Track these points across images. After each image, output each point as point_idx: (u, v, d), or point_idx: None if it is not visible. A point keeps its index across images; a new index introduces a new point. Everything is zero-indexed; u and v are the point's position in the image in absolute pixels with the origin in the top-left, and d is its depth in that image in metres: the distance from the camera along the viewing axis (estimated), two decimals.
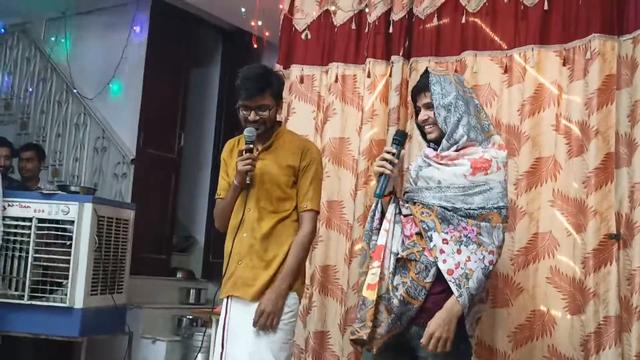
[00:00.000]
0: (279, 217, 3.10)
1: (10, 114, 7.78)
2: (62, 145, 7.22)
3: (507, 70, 3.66)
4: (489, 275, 2.61)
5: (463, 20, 3.81)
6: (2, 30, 7.90)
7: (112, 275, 4.62)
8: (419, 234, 2.67)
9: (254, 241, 3.07)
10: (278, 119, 3.27)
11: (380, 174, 2.72)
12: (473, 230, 2.59)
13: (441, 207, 2.63)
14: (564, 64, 3.52)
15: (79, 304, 4.28)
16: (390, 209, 2.78)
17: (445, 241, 2.60)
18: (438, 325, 2.54)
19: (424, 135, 2.88)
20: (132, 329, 4.91)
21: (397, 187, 2.87)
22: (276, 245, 3.07)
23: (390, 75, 3.99)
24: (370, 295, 2.66)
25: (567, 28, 3.54)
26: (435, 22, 3.91)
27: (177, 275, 6.71)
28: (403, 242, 2.72)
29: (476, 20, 3.79)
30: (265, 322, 2.95)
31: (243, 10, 4.59)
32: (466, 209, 2.62)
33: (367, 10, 4.13)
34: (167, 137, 6.83)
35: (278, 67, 4.42)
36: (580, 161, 3.36)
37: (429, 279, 2.59)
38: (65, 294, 4.25)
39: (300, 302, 3.15)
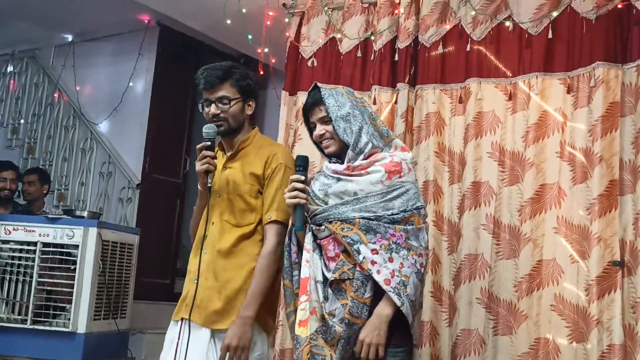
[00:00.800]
0: (242, 232, 2.78)
1: (17, 139, 7.83)
2: (68, 169, 7.26)
3: (511, 97, 3.67)
4: (422, 278, 2.57)
5: (468, 48, 3.83)
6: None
7: (115, 300, 4.60)
8: (345, 251, 2.57)
9: (212, 258, 2.76)
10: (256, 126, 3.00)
11: (296, 205, 2.61)
12: (402, 236, 2.53)
13: (363, 218, 2.55)
14: (568, 92, 3.54)
15: (82, 328, 4.26)
16: (307, 238, 2.66)
17: (374, 251, 2.51)
18: (369, 331, 2.48)
19: (321, 150, 2.79)
20: (134, 355, 4.89)
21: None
22: (235, 266, 2.75)
23: (395, 102, 4.01)
24: (303, 332, 2.54)
25: (571, 56, 3.56)
26: (440, 49, 3.93)
27: None
28: (326, 266, 2.62)
29: (481, 48, 3.81)
30: (226, 356, 2.61)
31: (250, 37, 4.62)
32: (389, 215, 2.55)
33: (373, 38, 4.16)
34: (172, 162, 6.86)
35: (284, 94, 4.45)
36: (584, 188, 3.36)
37: (367, 294, 2.52)
38: (69, 319, 4.23)
39: (271, 345, 2.74)
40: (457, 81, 3.87)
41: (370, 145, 2.64)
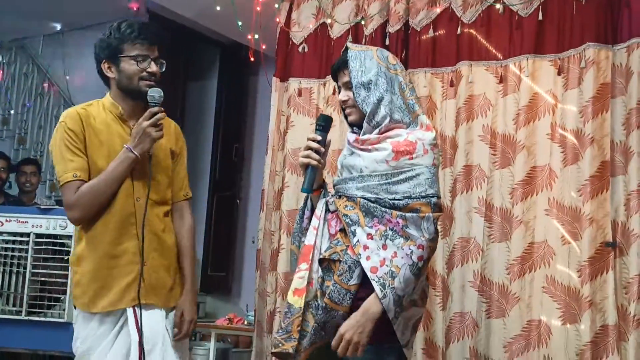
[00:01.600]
0: (166, 209, 2.71)
1: (7, 129, 7.80)
2: None
3: (502, 79, 3.66)
4: (418, 273, 2.31)
5: (458, 31, 3.81)
6: None
7: None
8: (343, 230, 2.38)
9: (152, 237, 2.62)
10: None
11: (307, 166, 2.43)
12: (398, 223, 2.30)
13: (364, 198, 2.34)
14: (558, 73, 3.52)
15: None
16: (320, 205, 2.48)
17: (370, 236, 2.31)
18: (350, 326, 2.26)
19: (346, 117, 2.58)
20: None
21: (319, 179, 2.55)
22: (173, 243, 2.71)
23: None
24: (297, 302, 2.35)
25: (562, 38, 3.55)
26: (431, 33, 3.91)
27: None
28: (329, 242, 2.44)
29: (471, 31, 3.79)
30: (189, 331, 2.69)
31: (239, 23, 4.60)
32: (390, 200, 2.32)
33: (363, 22, 4.14)
34: None
35: (275, 81, 4.44)
36: (576, 169, 3.36)
37: (353, 281, 2.31)
38: (63, 309, 4.22)
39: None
40: (448, 65, 3.85)
41: (388, 119, 2.41)
